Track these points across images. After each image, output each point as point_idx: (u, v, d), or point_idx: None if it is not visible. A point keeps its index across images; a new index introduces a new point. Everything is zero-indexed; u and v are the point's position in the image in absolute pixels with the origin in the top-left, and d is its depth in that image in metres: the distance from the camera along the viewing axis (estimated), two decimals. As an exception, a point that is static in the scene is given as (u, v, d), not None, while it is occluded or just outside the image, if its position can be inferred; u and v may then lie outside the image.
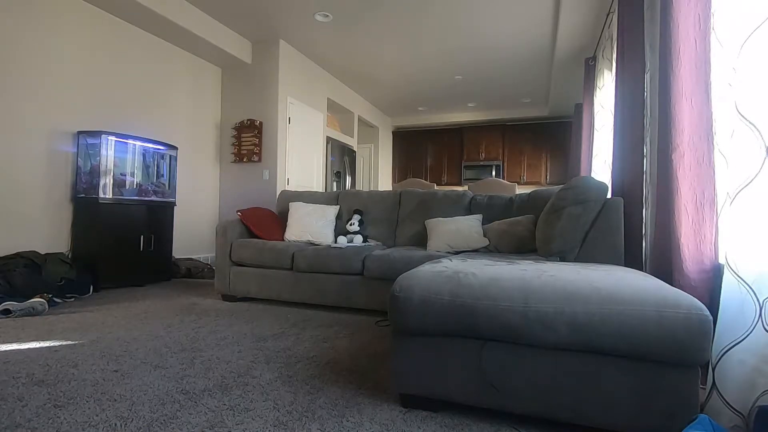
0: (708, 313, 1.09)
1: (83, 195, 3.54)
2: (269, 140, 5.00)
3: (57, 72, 3.46)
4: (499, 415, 1.34)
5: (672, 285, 1.44)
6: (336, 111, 6.80)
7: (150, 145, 4.00)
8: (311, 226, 3.35)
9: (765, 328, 1.16)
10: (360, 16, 4.37)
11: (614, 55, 3.03)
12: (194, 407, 1.39)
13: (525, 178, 7.95)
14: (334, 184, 6.46)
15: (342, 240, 3.24)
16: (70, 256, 3.41)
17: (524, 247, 2.64)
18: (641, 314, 1.11)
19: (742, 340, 1.19)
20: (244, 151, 5.08)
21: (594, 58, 4.33)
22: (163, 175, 4.15)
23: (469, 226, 2.92)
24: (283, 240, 3.35)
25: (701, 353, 1.08)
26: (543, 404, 1.23)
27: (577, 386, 1.19)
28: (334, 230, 3.43)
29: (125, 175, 3.77)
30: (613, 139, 2.59)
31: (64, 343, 2.05)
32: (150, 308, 2.85)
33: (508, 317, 1.22)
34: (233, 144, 5.14)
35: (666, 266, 1.66)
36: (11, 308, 2.52)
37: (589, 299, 1.17)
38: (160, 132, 4.36)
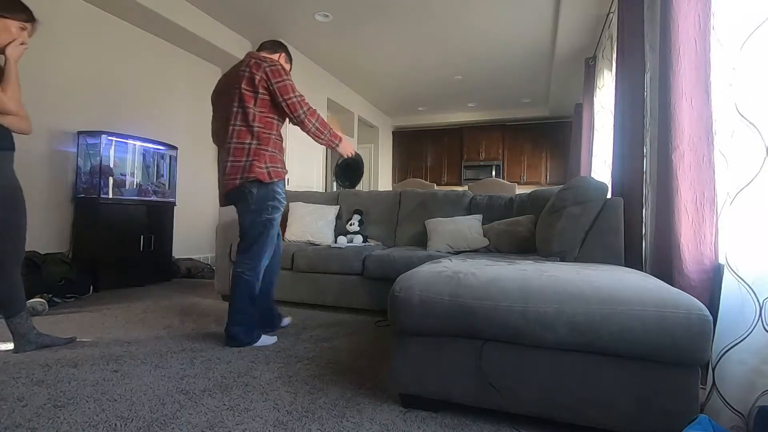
0: (708, 313, 1.09)
1: (83, 195, 3.54)
2: (269, 140, 4.99)
3: (57, 72, 3.46)
4: (499, 415, 1.34)
5: (672, 285, 1.44)
6: (336, 111, 6.80)
7: (150, 145, 4.00)
8: (311, 226, 3.35)
9: (765, 328, 1.16)
10: (360, 16, 4.37)
11: (614, 55, 3.03)
12: (194, 407, 1.39)
13: (525, 178, 7.95)
14: (334, 184, 6.46)
15: (342, 240, 3.24)
16: (70, 256, 3.41)
17: (524, 247, 2.64)
18: (641, 314, 1.11)
19: (742, 340, 1.19)
20: (244, 151, 5.08)
21: (594, 58, 4.33)
22: (163, 175, 4.15)
23: (469, 226, 2.92)
24: (283, 240, 3.35)
25: (701, 353, 1.08)
26: (543, 404, 1.23)
27: (577, 386, 1.19)
28: (334, 230, 3.43)
29: (125, 175, 3.77)
30: (613, 139, 2.59)
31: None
32: (150, 308, 2.85)
33: (508, 317, 1.22)
34: (233, 144, 5.14)
35: (666, 266, 1.66)
36: (11, 308, 2.52)
37: (589, 299, 1.17)
38: (160, 132, 4.36)
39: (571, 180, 2.36)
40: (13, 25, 1.75)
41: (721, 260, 1.47)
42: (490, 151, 8.26)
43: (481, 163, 8.28)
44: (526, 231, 2.68)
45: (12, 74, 1.76)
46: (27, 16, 1.79)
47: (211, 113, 2.28)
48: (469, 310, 1.26)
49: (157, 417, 1.31)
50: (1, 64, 1.79)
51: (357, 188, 3.41)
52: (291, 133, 5.17)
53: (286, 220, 3.47)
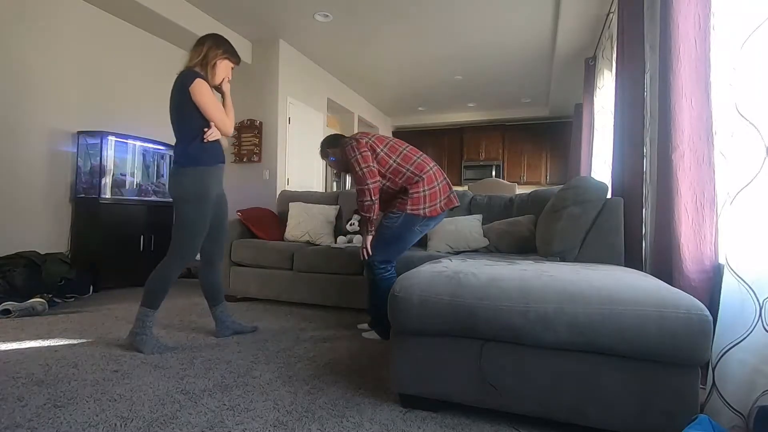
0: (708, 313, 1.09)
1: (83, 195, 3.54)
2: (269, 140, 5.00)
3: (57, 72, 3.46)
4: (499, 415, 1.34)
5: (672, 285, 1.44)
6: (336, 111, 6.80)
7: (150, 145, 4.00)
8: (311, 226, 3.35)
9: (765, 328, 1.16)
10: (360, 16, 4.36)
11: (614, 55, 3.03)
12: (194, 407, 1.39)
13: (525, 178, 7.94)
14: (334, 184, 6.46)
15: (342, 240, 3.24)
16: (70, 256, 3.41)
17: (524, 247, 2.64)
18: (641, 314, 1.11)
19: (742, 340, 1.19)
20: (244, 151, 5.08)
21: (594, 58, 4.33)
22: (163, 175, 4.15)
23: (469, 226, 2.92)
24: (283, 240, 3.35)
25: (701, 353, 1.08)
26: (543, 404, 1.23)
27: (577, 386, 1.19)
28: (334, 230, 3.43)
29: (125, 175, 3.77)
30: (613, 139, 2.59)
31: (64, 343, 2.06)
32: (150, 308, 2.84)
33: (508, 317, 1.22)
34: (233, 144, 5.14)
35: (666, 266, 1.66)
36: (11, 308, 2.52)
37: (589, 299, 1.17)
38: (160, 132, 4.35)
39: (571, 180, 2.36)
40: (229, 65, 2.17)
41: (721, 260, 1.47)
42: (490, 151, 8.25)
43: (481, 163, 8.28)
44: (526, 231, 2.68)
45: (230, 103, 2.19)
46: (238, 59, 2.21)
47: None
48: (469, 310, 1.26)
49: (157, 417, 1.31)
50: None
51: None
52: (291, 134, 5.18)
53: (286, 220, 3.47)
